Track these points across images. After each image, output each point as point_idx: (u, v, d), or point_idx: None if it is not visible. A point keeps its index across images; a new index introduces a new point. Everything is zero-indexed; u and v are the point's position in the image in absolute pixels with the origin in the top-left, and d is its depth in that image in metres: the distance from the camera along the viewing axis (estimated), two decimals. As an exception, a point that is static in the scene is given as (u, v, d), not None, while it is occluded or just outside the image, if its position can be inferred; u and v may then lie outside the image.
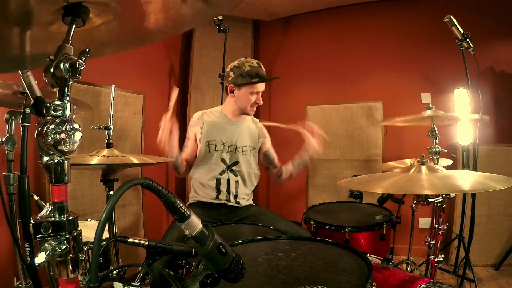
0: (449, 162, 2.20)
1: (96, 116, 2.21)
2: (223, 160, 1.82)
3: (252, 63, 1.78)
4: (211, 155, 1.81)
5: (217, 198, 1.80)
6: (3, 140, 1.18)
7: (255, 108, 1.84)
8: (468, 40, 2.10)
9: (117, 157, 1.26)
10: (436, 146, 1.62)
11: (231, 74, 1.79)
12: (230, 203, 1.80)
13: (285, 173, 1.89)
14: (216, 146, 1.81)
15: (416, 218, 2.35)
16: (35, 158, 1.82)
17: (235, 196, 1.82)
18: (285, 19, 3.64)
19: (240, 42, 3.52)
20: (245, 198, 1.87)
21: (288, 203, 3.57)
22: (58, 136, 0.55)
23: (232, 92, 1.82)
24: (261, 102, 1.82)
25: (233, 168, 1.83)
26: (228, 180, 1.81)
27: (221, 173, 1.81)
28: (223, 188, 1.80)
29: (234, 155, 1.84)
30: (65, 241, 0.56)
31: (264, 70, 1.80)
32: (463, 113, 2.51)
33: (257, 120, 2.01)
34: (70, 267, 0.57)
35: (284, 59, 3.67)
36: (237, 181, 1.83)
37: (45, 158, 0.57)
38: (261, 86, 1.80)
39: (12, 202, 1.20)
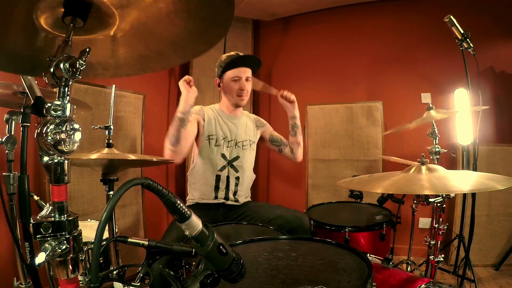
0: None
1: (96, 116, 2.21)
2: (223, 156, 1.81)
3: (230, 53, 1.84)
4: (211, 150, 1.80)
5: (215, 197, 1.79)
6: (3, 140, 1.18)
7: (244, 98, 1.82)
8: (468, 40, 2.10)
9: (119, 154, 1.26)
10: (436, 146, 1.62)
11: (216, 70, 1.87)
12: (228, 202, 1.80)
13: (295, 145, 1.95)
14: (216, 140, 1.81)
15: (416, 218, 2.34)
16: (35, 158, 1.82)
17: (234, 193, 1.82)
18: (285, 19, 3.63)
19: (240, 42, 3.52)
20: (244, 195, 1.87)
21: (288, 203, 3.55)
22: (58, 136, 0.55)
23: (219, 85, 1.87)
24: (247, 89, 1.81)
25: (234, 163, 1.83)
26: (228, 177, 1.80)
27: (221, 169, 1.80)
28: (222, 185, 1.80)
29: (235, 150, 1.84)
30: (65, 241, 0.56)
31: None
32: (463, 108, 2.50)
33: (253, 114, 2.05)
34: (70, 267, 0.57)
35: (284, 59, 3.67)
36: (237, 177, 1.83)
37: (45, 158, 0.57)
38: (242, 72, 1.79)
39: (12, 202, 1.20)
